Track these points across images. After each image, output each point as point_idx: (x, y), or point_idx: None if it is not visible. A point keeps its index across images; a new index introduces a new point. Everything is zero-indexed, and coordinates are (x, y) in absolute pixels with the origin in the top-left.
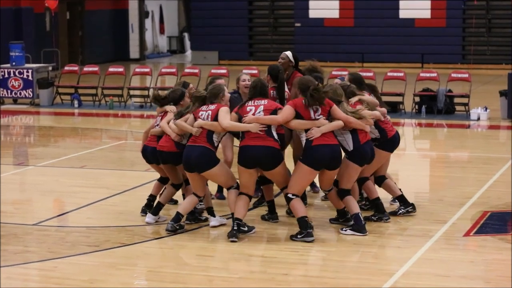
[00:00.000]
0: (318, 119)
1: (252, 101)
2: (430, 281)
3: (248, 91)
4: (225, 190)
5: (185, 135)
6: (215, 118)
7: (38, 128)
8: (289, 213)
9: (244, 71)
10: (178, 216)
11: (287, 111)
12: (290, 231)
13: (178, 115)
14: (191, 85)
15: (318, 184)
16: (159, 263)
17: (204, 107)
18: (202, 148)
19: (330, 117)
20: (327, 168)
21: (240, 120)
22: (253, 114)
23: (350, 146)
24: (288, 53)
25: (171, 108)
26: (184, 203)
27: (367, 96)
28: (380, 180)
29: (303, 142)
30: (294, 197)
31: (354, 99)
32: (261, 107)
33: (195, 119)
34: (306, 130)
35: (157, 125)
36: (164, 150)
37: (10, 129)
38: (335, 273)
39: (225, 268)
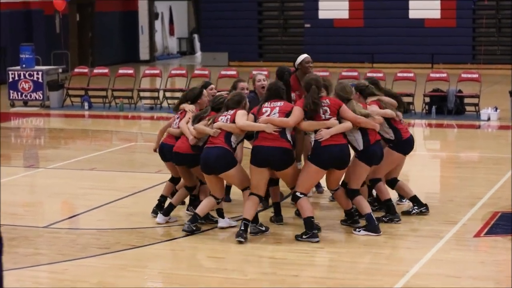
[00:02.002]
0: (328, 119)
1: (269, 103)
2: (441, 282)
3: (264, 92)
4: (232, 192)
5: (202, 138)
6: (234, 121)
7: (48, 130)
8: (298, 214)
9: (254, 72)
10: (195, 217)
11: (297, 113)
12: (300, 232)
13: (196, 119)
14: (212, 85)
15: (324, 184)
16: (170, 265)
17: (224, 113)
18: (220, 149)
19: (340, 117)
20: (335, 167)
21: (255, 121)
22: (268, 115)
23: (360, 145)
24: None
25: (190, 108)
26: (202, 205)
27: (386, 97)
28: (393, 182)
29: (312, 143)
30: (302, 195)
31: (371, 98)
32: (277, 109)
33: (215, 123)
34: (315, 131)
35: (176, 125)
36: (180, 151)
37: (21, 131)
38: (345, 274)
39: (235, 269)
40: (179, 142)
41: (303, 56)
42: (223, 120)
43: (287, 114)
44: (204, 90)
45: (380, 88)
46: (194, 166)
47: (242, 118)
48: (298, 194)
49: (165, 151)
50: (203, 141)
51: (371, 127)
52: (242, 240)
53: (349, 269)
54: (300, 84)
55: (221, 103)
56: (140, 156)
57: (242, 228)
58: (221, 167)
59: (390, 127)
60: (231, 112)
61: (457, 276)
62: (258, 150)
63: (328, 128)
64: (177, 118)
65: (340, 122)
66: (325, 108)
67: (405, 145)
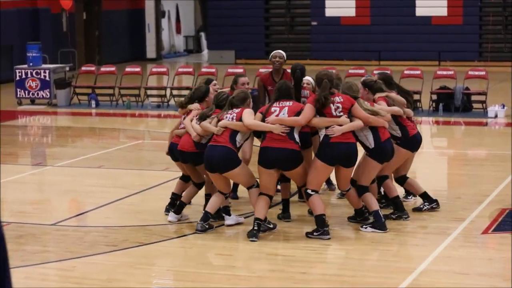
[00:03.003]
0: (339, 116)
1: (277, 103)
2: (449, 279)
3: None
4: (239, 189)
5: (206, 136)
6: (240, 119)
7: (55, 128)
8: (311, 212)
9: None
10: (207, 216)
11: (308, 110)
12: (309, 229)
13: (202, 118)
14: (214, 81)
15: (335, 182)
16: (178, 262)
17: (229, 111)
18: (224, 148)
19: (350, 115)
20: (341, 165)
21: (264, 121)
22: (277, 115)
23: (371, 143)
24: (283, 52)
25: (195, 106)
26: (212, 202)
27: (394, 94)
28: (402, 179)
29: (321, 137)
30: (313, 193)
31: (379, 94)
32: (286, 109)
33: (219, 121)
34: (326, 127)
35: (182, 126)
36: (184, 150)
37: (28, 130)
38: (354, 272)
39: (244, 267)
40: (183, 140)
41: (274, 51)
42: (228, 118)
43: (297, 114)
44: (211, 88)
45: (392, 83)
46: (199, 164)
47: (250, 117)
48: (309, 191)
49: (174, 151)
50: (206, 138)
51: (381, 125)
52: (255, 239)
53: (357, 266)
54: (273, 79)
55: (225, 100)
56: (148, 154)
57: (256, 228)
58: (224, 167)
59: (397, 124)
60: (236, 110)
61: (465, 273)
62: (265, 151)
63: (339, 125)
64: (184, 119)
65: (351, 120)
66: (338, 105)
67: (412, 142)
